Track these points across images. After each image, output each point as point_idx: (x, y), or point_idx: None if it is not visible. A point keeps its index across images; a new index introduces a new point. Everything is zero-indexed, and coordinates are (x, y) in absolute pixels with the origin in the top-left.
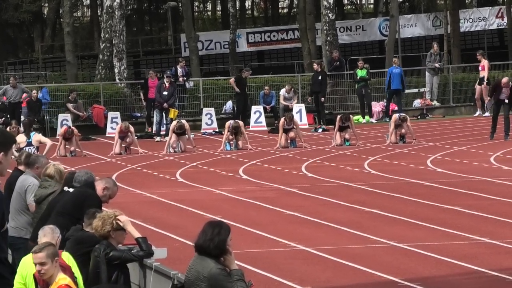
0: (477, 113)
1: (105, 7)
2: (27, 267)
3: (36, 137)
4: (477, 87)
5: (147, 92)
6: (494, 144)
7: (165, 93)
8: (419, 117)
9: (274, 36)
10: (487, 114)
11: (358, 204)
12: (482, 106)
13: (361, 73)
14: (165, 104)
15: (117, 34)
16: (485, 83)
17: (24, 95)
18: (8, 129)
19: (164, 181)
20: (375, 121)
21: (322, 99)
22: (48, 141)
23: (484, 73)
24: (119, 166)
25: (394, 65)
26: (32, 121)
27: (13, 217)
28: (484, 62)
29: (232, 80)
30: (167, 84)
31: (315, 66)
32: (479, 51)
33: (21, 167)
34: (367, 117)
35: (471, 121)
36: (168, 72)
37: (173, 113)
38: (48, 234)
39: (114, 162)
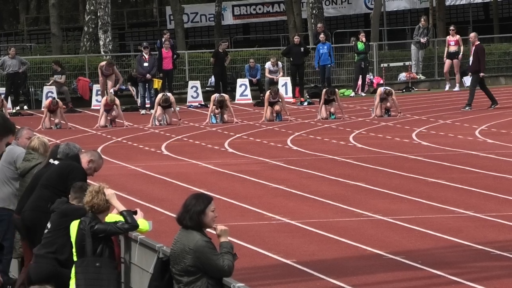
0: (447, 87)
1: None
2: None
3: None
4: (447, 61)
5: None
6: (479, 117)
7: (145, 64)
8: (404, 90)
9: (259, 9)
10: (456, 88)
11: (343, 177)
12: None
13: (361, 45)
14: (148, 75)
15: (102, 6)
16: (460, 56)
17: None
18: None
19: (149, 154)
20: (364, 94)
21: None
22: None
23: (455, 48)
24: (104, 139)
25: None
26: None
27: None
28: (457, 37)
29: (212, 59)
30: (146, 56)
31: (296, 39)
32: (452, 26)
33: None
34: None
35: (457, 94)
36: (145, 44)
37: (157, 83)
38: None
39: (99, 135)
